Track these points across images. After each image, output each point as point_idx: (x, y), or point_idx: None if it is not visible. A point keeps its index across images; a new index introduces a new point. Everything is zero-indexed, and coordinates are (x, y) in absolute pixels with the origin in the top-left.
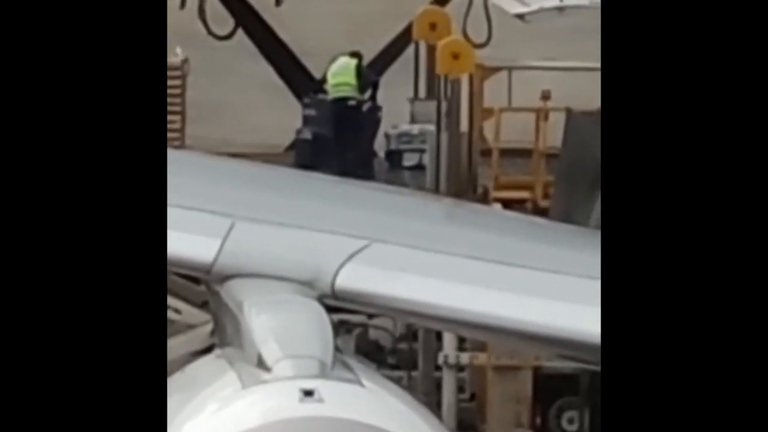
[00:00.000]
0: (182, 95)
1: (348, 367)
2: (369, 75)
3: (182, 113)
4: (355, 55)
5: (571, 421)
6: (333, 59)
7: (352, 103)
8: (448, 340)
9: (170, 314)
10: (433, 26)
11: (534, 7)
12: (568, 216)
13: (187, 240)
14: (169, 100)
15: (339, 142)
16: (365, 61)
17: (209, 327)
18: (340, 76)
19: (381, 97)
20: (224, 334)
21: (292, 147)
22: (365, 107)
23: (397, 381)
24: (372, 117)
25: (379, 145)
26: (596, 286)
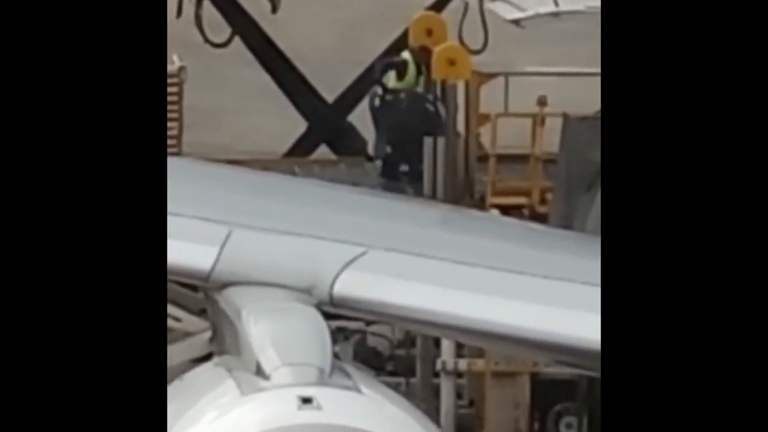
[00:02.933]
0: (179, 102)
1: (346, 374)
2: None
3: (179, 120)
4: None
5: (569, 427)
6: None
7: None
8: (446, 347)
9: (169, 322)
10: (429, 32)
11: (530, 12)
12: (566, 221)
13: (185, 248)
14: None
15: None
16: (361, 67)
17: (208, 335)
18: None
19: None
20: (222, 342)
21: (289, 153)
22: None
23: (395, 387)
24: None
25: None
26: (595, 292)
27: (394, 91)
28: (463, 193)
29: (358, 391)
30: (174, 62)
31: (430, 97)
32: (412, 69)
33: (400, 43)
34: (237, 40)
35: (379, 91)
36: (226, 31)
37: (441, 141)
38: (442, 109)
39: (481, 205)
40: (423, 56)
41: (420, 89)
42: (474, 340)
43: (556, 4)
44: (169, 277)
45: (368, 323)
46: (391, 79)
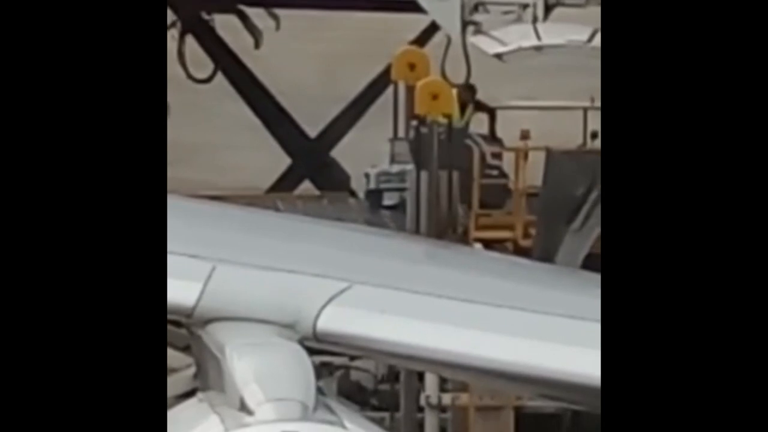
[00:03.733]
0: None
1: (330, 410)
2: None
3: None
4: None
5: None
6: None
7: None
8: (430, 381)
9: None
10: (412, 67)
11: (512, 46)
12: (548, 255)
13: (169, 284)
14: None
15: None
16: (344, 103)
17: (192, 370)
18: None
19: (360, 137)
20: (206, 378)
21: (273, 189)
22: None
23: (379, 422)
24: None
25: (359, 185)
26: (578, 325)
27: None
28: (447, 227)
29: (342, 426)
30: None
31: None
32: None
33: (383, 78)
34: (220, 75)
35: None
36: (209, 66)
37: (424, 175)
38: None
39: (464, 239)
40: (469, 95)
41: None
42: (458, 375)
43: (539, 38)
44: None
45: (352, 358)
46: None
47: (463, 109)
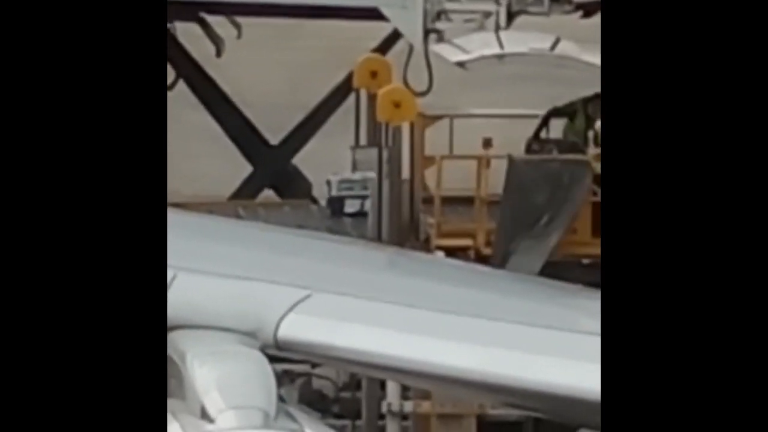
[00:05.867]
0: None
1: (291, 417)
2: None
3: None
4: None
5: None
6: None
7: None
8: (392, 389)
9: None
10: (374, 74)
11: (474, 54)
12: (505, 261)
13: None
14: None
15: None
16: (306, 111)
17: None
18: None
19: (322, 145)
20: (167, 385)
21: (234, 196)
22: None
23: (341, 430)
24: None
25: (320, 193)
26: (537, 333)
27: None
28: (409, 234)
29: None
30: None
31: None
32: (581, 118)
33: (345, 85)
34: (181, 83)
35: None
36: (171, 74)
37: (386, 183)
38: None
39: (426, 246)
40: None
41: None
42: (419, 382)
43: (501, 46)
44: None
45: (313, 366)
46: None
47: None
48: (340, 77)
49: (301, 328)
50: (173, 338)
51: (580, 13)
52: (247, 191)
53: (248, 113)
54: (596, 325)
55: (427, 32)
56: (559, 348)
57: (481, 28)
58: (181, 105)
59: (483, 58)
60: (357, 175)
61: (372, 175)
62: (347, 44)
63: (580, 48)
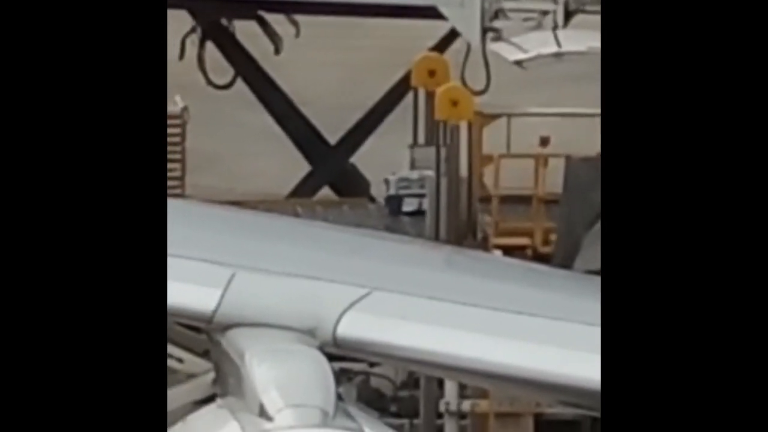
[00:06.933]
0: (182, 143)
1: (350, 416)
2: None
3: (182, 161)
4: None
5: None
6: None
7: None
8: (450, 388)
9: (172, 363)
10: (431, 73)
11: (532, 53)
12: (569, 262)
13: (189, 290)
14: (168, 148)
15: None
16: (363, 110)
17: (211, 376)
18: None
19: (380, 144)
20: (226, 384)
21: (292, 195)
22: None
23: (399, 429)
24: None
25: (378, 191)
26: (596, 332)
27: None
28: (466, 233)
29: None
30: (177, 103)
31: None
32: None
33: (403, 84)
34: (240, 82)
35: None
36: (229, 72)
37: (443, 181)
38: None
39: (483, 245)
40: None
41: None
42: (477, 381)
43: (559, 45)
44: (172, 318)
45: (371, 364)
46: None
47: None
48: (397, 76)
49: (360, 326)
50: (232, 336)
51: None
52: (305, 190)
53: (306, 112)
54: None
55: (484, 31)
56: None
57: (539, 26)
58: (240, 104)
59: (540, 56)
60: (415, 174)
61: (430, 173)
62: (405, 43)
63: None
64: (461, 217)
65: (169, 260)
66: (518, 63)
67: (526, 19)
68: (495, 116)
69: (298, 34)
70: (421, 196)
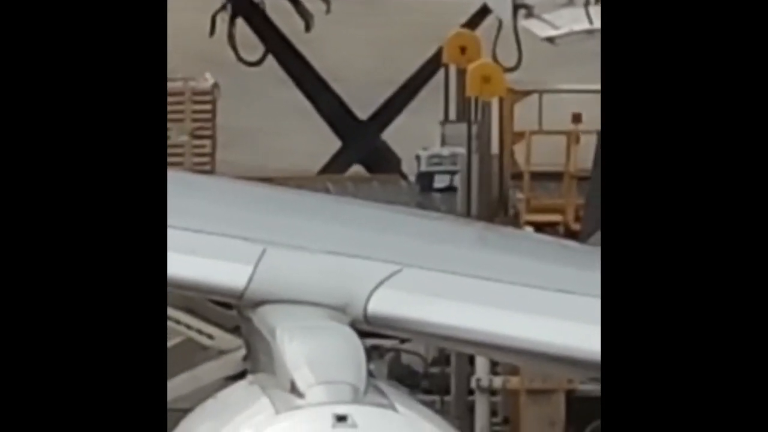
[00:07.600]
0: (212, 120)
1: (381, 392)
2: None
3: (213, 138)
4: None
5: None
6: None
7: None
8: (481, 364)
9: (203, 340)
10: (463, 50)
11: (564, 30)
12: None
13: (219, 266)
14: (199, 125)
15: None
16: (394, 86)
17: (242, 352)
18: None
19: (411, 120)
20: (257, 360)
21: (323, 171)
22: None
23: (430, 405)
24: None
25: (410, 168)
26: None
27: None
28: (498, 209)
29: (393, 409)
30: (207, 80)
31: None
32: None
33: (434, 61)
34: (270, 58)
35: None
36: (260, 49)
37: (475, 158)
38: None
39: (515, 222)
40: None
41: None
42: (508, 358)
43: (591, 21)
44: (203, 295)
45: (402, 341)
46: None
47: None
48: (429, 52)
49: (391, 303)
50: (263, 313)
51: None
52: (336, 166)
53: (337, 88)
54: None
55: (516, 7)
56: None
57: (570, 3)
58: (270, 80)
59: (572, 33)
60: (446, 151)
61: (461, 150)
62: (436, 19)
63: None
64: (492, 194)
65: (200, 237)
66: (550, 39)
67: None
68: (527, 93)
69: (328, 11)
70: (453, 172)
